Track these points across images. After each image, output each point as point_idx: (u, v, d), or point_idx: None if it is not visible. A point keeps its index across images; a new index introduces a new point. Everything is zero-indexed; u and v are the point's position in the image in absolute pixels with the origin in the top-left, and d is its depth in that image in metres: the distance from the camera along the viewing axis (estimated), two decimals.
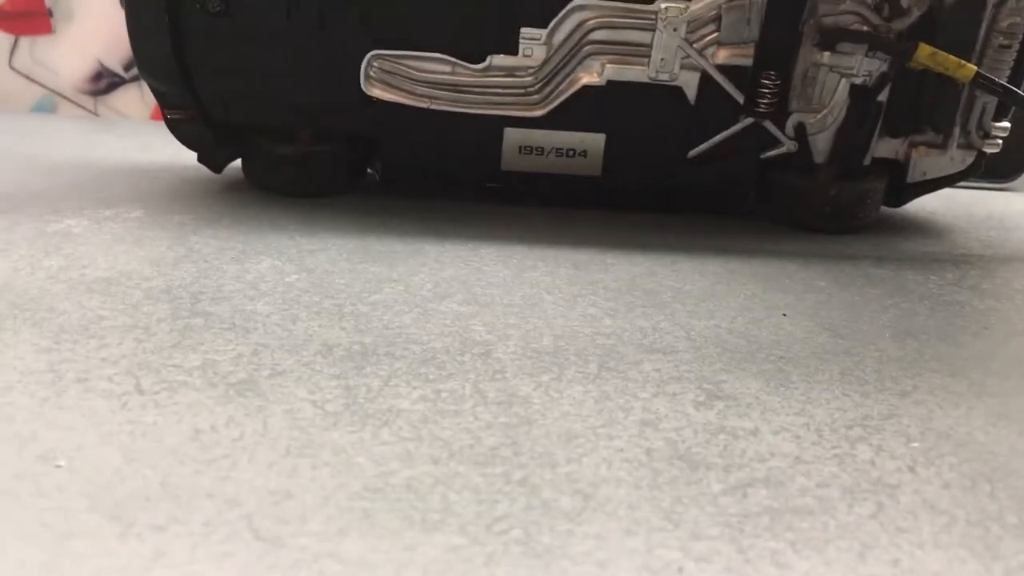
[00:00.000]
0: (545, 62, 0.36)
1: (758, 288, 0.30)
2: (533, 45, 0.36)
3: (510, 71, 0.37)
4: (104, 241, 0.30)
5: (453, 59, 0.36)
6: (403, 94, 0.37)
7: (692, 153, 0.38)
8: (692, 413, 0.20)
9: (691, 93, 0.37)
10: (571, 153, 0.38)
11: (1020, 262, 0.36)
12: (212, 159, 0.39)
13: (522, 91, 0.37)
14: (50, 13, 0.49)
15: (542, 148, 0.38)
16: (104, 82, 0.47)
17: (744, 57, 0.36)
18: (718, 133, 0.38)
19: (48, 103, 0.51)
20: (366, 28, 0.35)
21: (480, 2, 0.35)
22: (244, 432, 0.18)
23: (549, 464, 0.18)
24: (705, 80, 0.37)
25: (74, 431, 0.18)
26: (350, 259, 0.30)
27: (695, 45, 0.36)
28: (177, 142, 0.38)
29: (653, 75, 0.37)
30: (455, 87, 0.37)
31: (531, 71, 0.37)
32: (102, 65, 0.47)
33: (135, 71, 0.49)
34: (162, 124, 0.38)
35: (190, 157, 0.39)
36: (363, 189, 0.39)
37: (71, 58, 0.49)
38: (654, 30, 0.36)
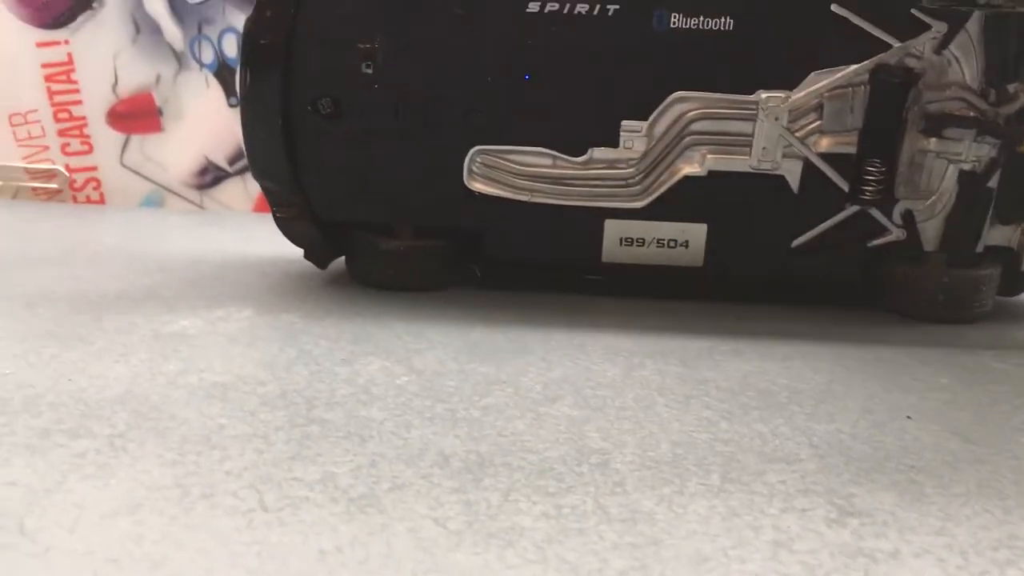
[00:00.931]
0: (646, 154, 0.36)
1: (877, 387, 0.29)
2: (634, 137, 0.36)
3: (611, 163, 0.37)
4: (218, 343, 0.30)
5: (554, 152, 0.37)
6: (505, 188, 0.37)
7: (796, 242, 0.38)
8: (825, 532, 0.19)
9: (794, 182, 0.37)
10: (672, 244, 0.38)
11: None
12: (318, 256, 0.40)
13: (623, 183, 0.37)
14: (160, 112, 0.51)
15: (643, 239, 0.38)
16: (210, 176, 0.49)
17: (848, 145, 0.36)
18: (823, 222, 0.37)
19: (157, 197, 0.52)
20: (469, 125, 0.36)
21: (581, 96, 0.36)
22: (369, 554, 0.18)
23: None
24: (808, 168, 0.36)
25: (203, 553, 0.18)
26: (457, 358, 0.30)
27: (797, 134, 0.36)
28: (282, 236, 0.39)
29: (755, 164, 0.36)
30: (556, 180, 0.37)
31: (632, 163, 0.37)
32: (208, 160, 0.49)
33: (239, 165, 0.51)
34: (264, 216, 0.39)
35: (292, 249, 0.39)
36: (464, 283, 0.40)
37: (179, 154, 0.51)
38: (755, 120, 0.36)
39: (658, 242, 0.38)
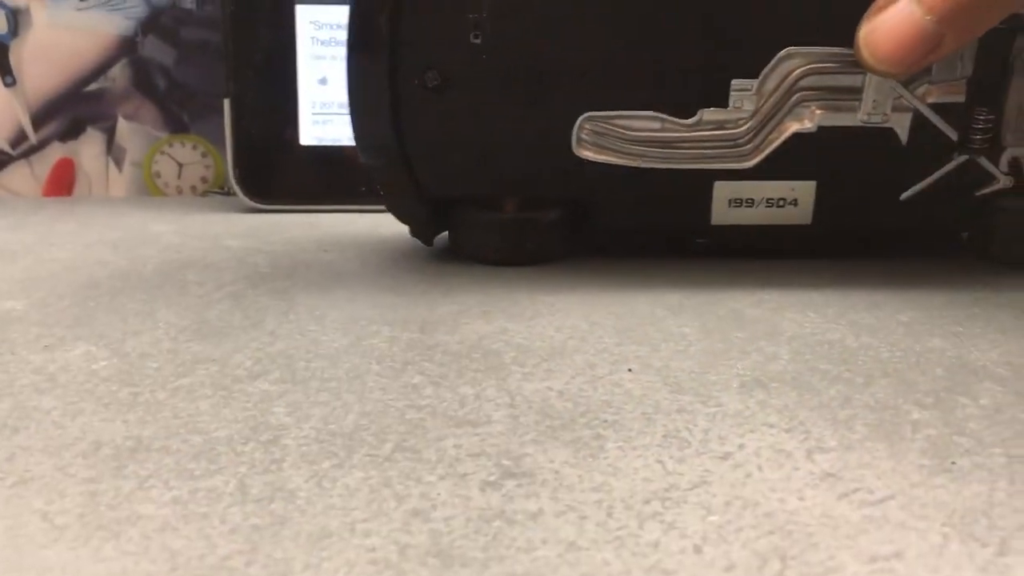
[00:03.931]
0: (755, 113, 0.36)
1: (612, 340, 0.28)
2: (744, 96, 0.36)
3: (720, 124, 0.36)
4: None
5: (663, 116, 0.36)
6: (614, 154, 0.37)
7: (905, 195, 0.38)
8: (475, 497, 0.19)
9: (903, 134, 0.36)
10: (781, 203, 0.38)
11: None
12: (425, 232, 0.39)
13: (732, 143, 0.37)
14: None
15: (752, 199, 0.38)
16: None
17: (956, 94, 0.36)
18: (931, 173, 0.37)
19: None
20: (578, 92, 0.36)
21: (690, 57, 0.36)
22: None
23: (281, 573, 0.16)
24: (917, 120, 0.36)
25: None
26: (177, 338, 0.28)
27: (907, 86, 0.36)
28: None
29: (864, 119, 0.36)
30: (665, 143, 0.37)
31: (741, 123, 0.36)
32: None
33: (23, 147, 0.50)
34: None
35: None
36: (575, 255, 0.39)
37: None
38: (864, 73, 0.36)
39: (767, 201, 0.38)
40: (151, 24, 0.48)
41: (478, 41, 0.35)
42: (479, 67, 0.36)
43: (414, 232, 0.39)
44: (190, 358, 0.27)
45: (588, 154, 0.37)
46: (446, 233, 0.40)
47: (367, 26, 0.35)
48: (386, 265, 0.38)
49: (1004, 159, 0.37)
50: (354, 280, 0.35)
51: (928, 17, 0.30)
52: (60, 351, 0.27)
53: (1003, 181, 0.37)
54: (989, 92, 0.36)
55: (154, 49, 0.49)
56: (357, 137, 0.37)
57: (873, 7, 0.31)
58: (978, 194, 0.38)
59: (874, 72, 0.32)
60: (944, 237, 0.39)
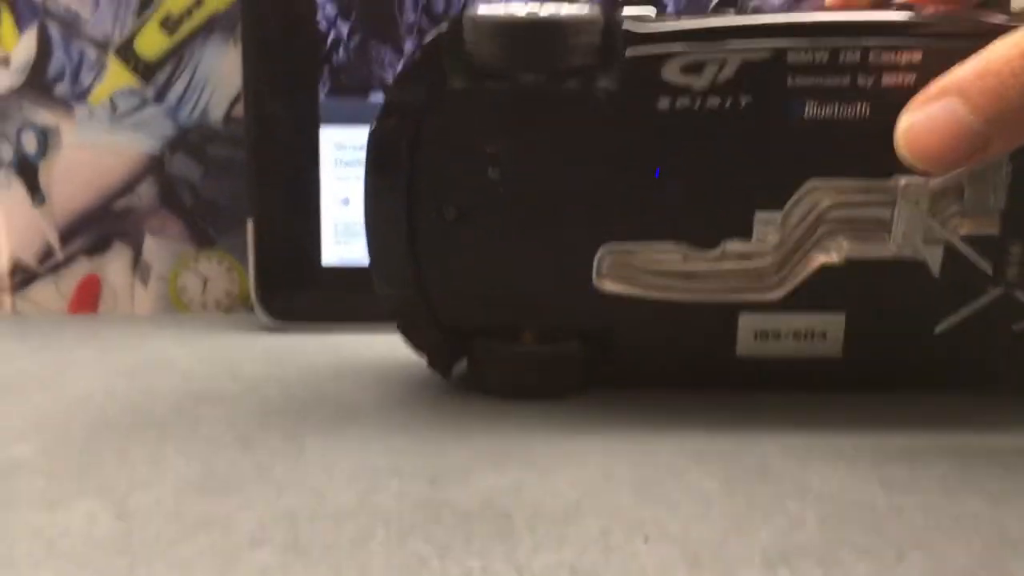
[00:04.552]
0: (780, 244, 0.35)
1: (629, 500, 0.27)
2: (768, 228, 0.35)
3: (744, 255, 0.36)
4: None
5: (686, 247, 0.36)
6: (635, 286, 0.36)
7: (939, 328, 0.36)
8: None
9: (935, 266, 0.35)
10: (810, 335, 0.37)
11: None
12: (442, 364, 0.39)
13: (757, 275, 0.36)
14: None
15: (779, 332, 0.37)
16: (19, 277, 0.49)
17: (990, 227, 0.35)
18: (965, 306, 0.36)
19: None
20: (598, 225, 0.35)
21: (713, 190, 0.35)
22: None
23: None
24: (949, 253, 0.35)
25: None
26: (184, 495, 0.28)
27: (938, 217, 0.35)
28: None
29: (895, 251, 0.35)
30: (688, 275, 0.36)
31: (766, 254, 0.36)
32: (16, 260, 0.49)
33: (50, 263, 0.50)
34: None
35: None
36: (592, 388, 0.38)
37: None
38: (894, 205, 0.35)
39: (795, 334, 0.37)
40: (179, 142, 0.48)
41: (496, 175, 0.35)
42: (497, 200, 0.35)
43: (431, 363, 0.38)
44: (193, 520, 0.26)
45: (609, 286, 0.36)
46: (464, 360, 0.39)
47: (385, 156, 0.35)
48: (402, 397, 0.37)
49: None
50: (368, 418, 0.35)
51: (973, 117, 0.28)
52: (62, 511, 0.27)
53: None
54: None
55: (181, 165, 0.49)
56: (374, 267, 0.37)
57: (915, 99, 0.30)
58: (1016, 328, 0.36)
59: (912, 169, 0.31)
60: (980, 373, 0.38)
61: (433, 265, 0.36)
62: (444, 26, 0.34)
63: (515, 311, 0.37)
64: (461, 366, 0.39)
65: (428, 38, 0.34)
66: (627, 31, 0.34)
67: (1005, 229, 0.35)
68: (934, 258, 0.35)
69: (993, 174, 0.34)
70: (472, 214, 0.36)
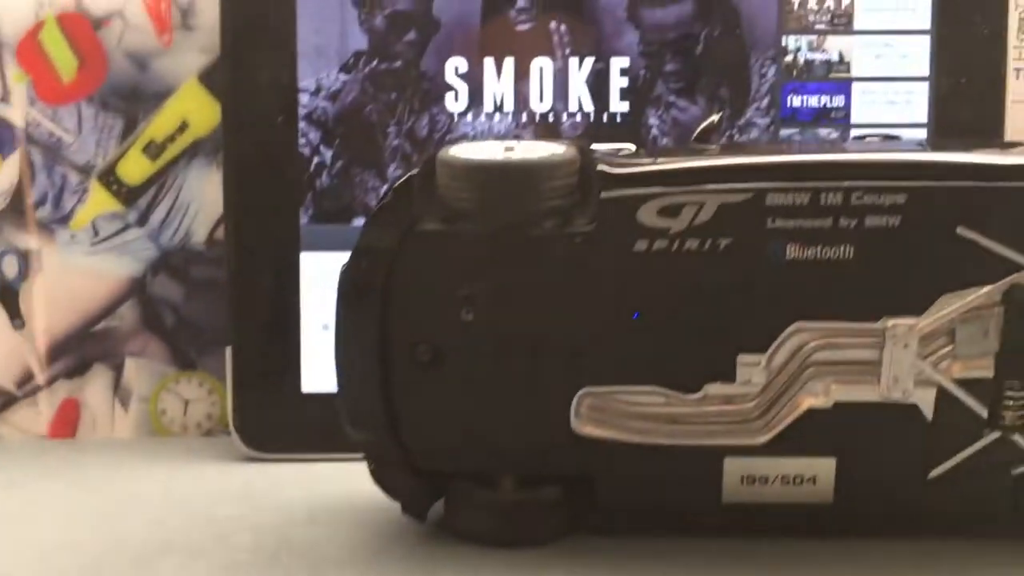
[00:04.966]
0: (765, 387, 0.34)
1: None
2: (752, 371, 0.34)
3: (728, 399, 0.34)
4: None
5: (667, 390, 0.34)
6: (616, 430, 0.35)
7: (933, 473, 0.35)
8: None
9: (927, 410, 0.34)
10: (799, 480, 0.35)
11: None
12: (417, 508, 0.37)
13: (741, 418, 0.35)
14: None
15: (766, 477, 0.35)
16: None
17: (984, 369, 0.34)
18: (961, 450, 0.34)
19: None
20: (576, 368, 0.34)
21: (694, 332, 0.34)
22: None
23: None
24: (942, 395, 0.34)
25: None
26: None
27: (929, 360, 0.34)
28: None
29: (885, 394, 0.34)
30: (670, 419, 0.35)
31: (750, 397, 0.34)
32: None
33: (28, 387, 0.49)
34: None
35: None
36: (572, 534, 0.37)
37: None
38: (882, 347, 0.34)
39: (783, 479, 0.35)
40: (161, 264, 0.48)
41: (470, 317, 0.34)
42: (472, 343, 0.34)
43: (406, 509, 0.37)
44: None
45: (589, 430, 0.35)
46: (442, 502, 0.38)
47: (356, 298, 0.35)
48: (377, 543, 0.36)
49: None
50: (339, 570, 0.33)
51: None
52: None
53: None
54: (1019, 366, 0.34)
55: (163, 287, 0.48)
56: (344, 411, 0.36)
57: None
58: (1015, 473, 0.35)
59: None
60: (978, 519, 0.36)
61: (407, 408, 0.35)
62: (416, 167, 0.34)
63: (492, 456, 0.36)
64: (438, 508, 0.37)
65: (399, 180, 0.34)
66: (601, 172, 0.33)
67: (999, 371, 0.34)
68: (926, 401, 0.34)
69: (985, 315, 0.33)
70: (446, 356, 0.34)
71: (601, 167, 0.33)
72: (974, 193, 0.32)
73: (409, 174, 0.33)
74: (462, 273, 0.34)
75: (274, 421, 0.46)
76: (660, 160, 0.34)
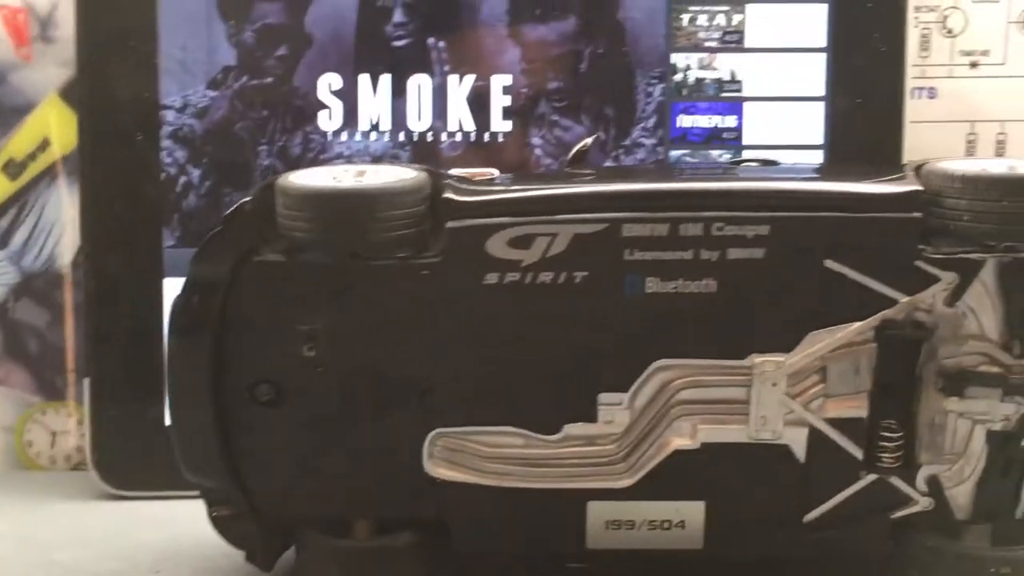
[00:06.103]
0: (629, 428, 0.32)
1: None
2: (614, 411, 0.32)
3: (590, 440, 0.32)
4: None
5: (525, 431, 0.32)
6: (472, 472, 0.33)
7: (809, 517, 0.33)
8: None
9: (800, 451, 0.32)
10: (667, 525, 0.33)
11: None
12: (264, 559, 0.35)
13: (605, 460, 0.33)
14: None
15: (632, 522, 0.33)
16: None
17: (858, 408, 0.32)
18: (837, 493, 0.33)
19: None
20: (428, 407, 0.32)
21: (550, 370, 0.32)
22: None
23: None
24: (815, 436, 0.32)
25: None
26: None
27: (799, 399, 0.32)
28: None
29: (754, 434, 0.32)
30: (529, 461, 0.32)
31: (613, 438, 0.32)
32: None
33: None
34: None
35: None
36: None
37: None
38: (749, 386, 0.32)
39: (650, 524, 0.33)
40: (24, 288, 0.45)
41: (312, 354, 0.32)
42: (315, 381, 0.32)
43: (250, 558, 0.35)
44: None
45: (442, 472, 0.33)
46: (292, 552, 0.35)
47: (187, 335, 0.32)
48: None
49: (920, 478, 0.33)
50: None
51: None
52: None
53: (922, 503, 0.33)
54: (896, 405, 0.32)
55: (26, 312, 0.46)
56: (180, 456, 0.33)
57: None
58: (894, 517, 0.33)
59: None
60: (857, 564, 0.34)
61: (247, 451, 0.33)
62: (251, 194, 0.31)
63: (343, 501, 0.33)
64: (288, 558, 0.35)
65: (232, 207, 0.31)
66: (446, 200, 0.31)
67: (874, 410, 0.32)
68: (798, 442, 0.32)
69: (857, 352, 0.31)
70: (288, 395, 0.32)
71: (447, 194, 0.31)
72: (841, 224, 0.30)
73: (241, 201, 0.31)
74: (302, 307, 0.32)
75: (135, 456, 0.44)
76: (513, 188, 0.31)
